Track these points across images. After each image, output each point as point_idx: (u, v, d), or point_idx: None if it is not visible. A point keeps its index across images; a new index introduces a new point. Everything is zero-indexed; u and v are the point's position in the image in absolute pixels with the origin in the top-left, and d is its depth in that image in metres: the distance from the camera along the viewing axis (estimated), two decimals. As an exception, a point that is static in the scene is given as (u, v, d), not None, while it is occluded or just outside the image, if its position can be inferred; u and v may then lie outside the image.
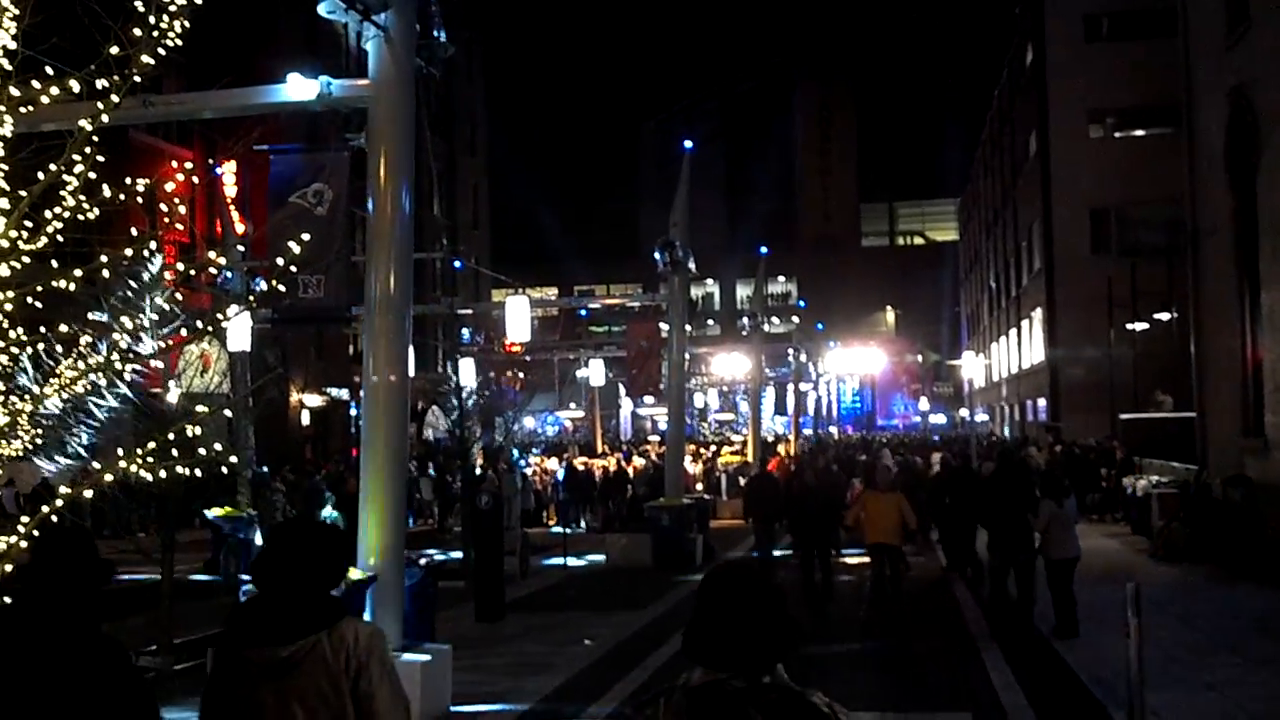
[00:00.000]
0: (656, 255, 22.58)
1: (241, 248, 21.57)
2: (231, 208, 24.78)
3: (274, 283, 6.58)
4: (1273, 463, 19.16)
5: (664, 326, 25.92)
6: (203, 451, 6.43)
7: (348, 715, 3.75)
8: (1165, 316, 36.79)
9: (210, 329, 7.53)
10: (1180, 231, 27.17)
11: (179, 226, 6.52)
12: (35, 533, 5.13)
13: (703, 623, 2.97)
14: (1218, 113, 21.38)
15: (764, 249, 40.79)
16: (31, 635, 3.77)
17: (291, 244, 6.59)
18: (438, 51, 10.59)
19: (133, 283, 9.90)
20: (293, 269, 7.48)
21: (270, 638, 3.75)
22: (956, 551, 19.59)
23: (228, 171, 27.78)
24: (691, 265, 23.11)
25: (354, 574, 9.86)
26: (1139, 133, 45.52)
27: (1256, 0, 19.59)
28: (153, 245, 6.05)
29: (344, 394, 47.71)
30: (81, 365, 5.96)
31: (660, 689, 3.01)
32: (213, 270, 18.47)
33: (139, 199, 6.17)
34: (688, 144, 24.21)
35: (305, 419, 44.90)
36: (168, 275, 6.44)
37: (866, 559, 15.70)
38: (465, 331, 42.07)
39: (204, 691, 3.95)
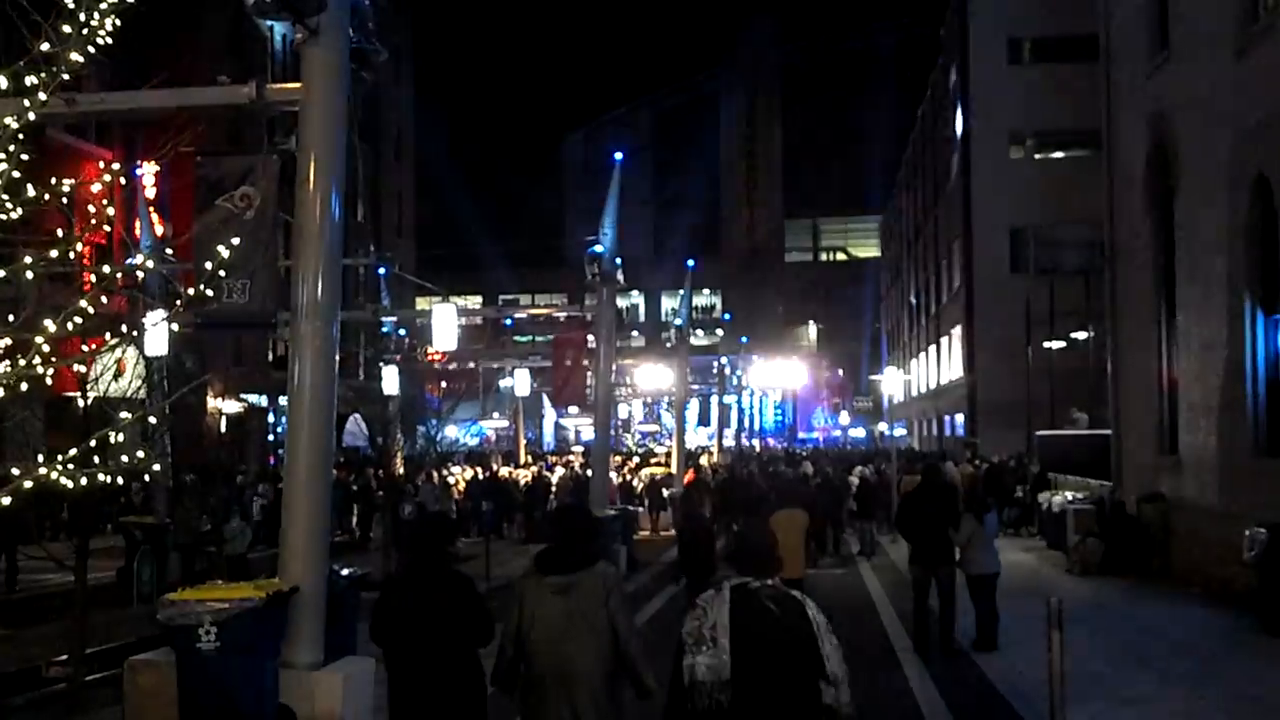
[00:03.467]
0: (585, 266, 22.52)
1: (170, 250, 21.15)
2: (151, 210, 24.32)
3: (202, 287, 6.43)
4: (1187, 481, 19.56)
5: (590, 338, 25.84)
6: (125, 459, 6.27)
7: (602, 620, 5.99)
8: (1082, 335, 37.46)
9: (135, 333, 7.36)
10: (1097, 252, 27.71)
11: (106, 228, 6.36)
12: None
13: (739, 552, 5.42)
14: (1138, 137, 21.83)
15: (691, 262, 40.87)
16: (421, 572, 6.83)
17: (220, 248, 6.47)
18: (371, 56, 10.44)
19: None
20: (220, 273, 7.35)
21: (559, 570, 6.08)
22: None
23: (146, 173, 27.23)
24: (620, 277, 23.09)
25: (275, 584, 9.68)
26: (1058, 155, 46.47)
27: (1177, 28, 20.05)
28: (79, 247, 5.87)
29: (262, 400, 46.98)
30: (2, 369, 5.78)
31: (715, 585, 5.36)
32: (122, 274, 18.01)
33: (64, 199, 6.01)
34: (618, 155, 24.16)
35: (222, 426, 44.13)
36: (92, 277, 6.30)
37: None
38: (388, 325, 41.50)
39: (516, 603, 6.18)
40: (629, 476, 37.88)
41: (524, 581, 6.25)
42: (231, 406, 43.77)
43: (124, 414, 6.12)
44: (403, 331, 31.33)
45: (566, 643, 5.94)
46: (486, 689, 6.67)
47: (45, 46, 5.62)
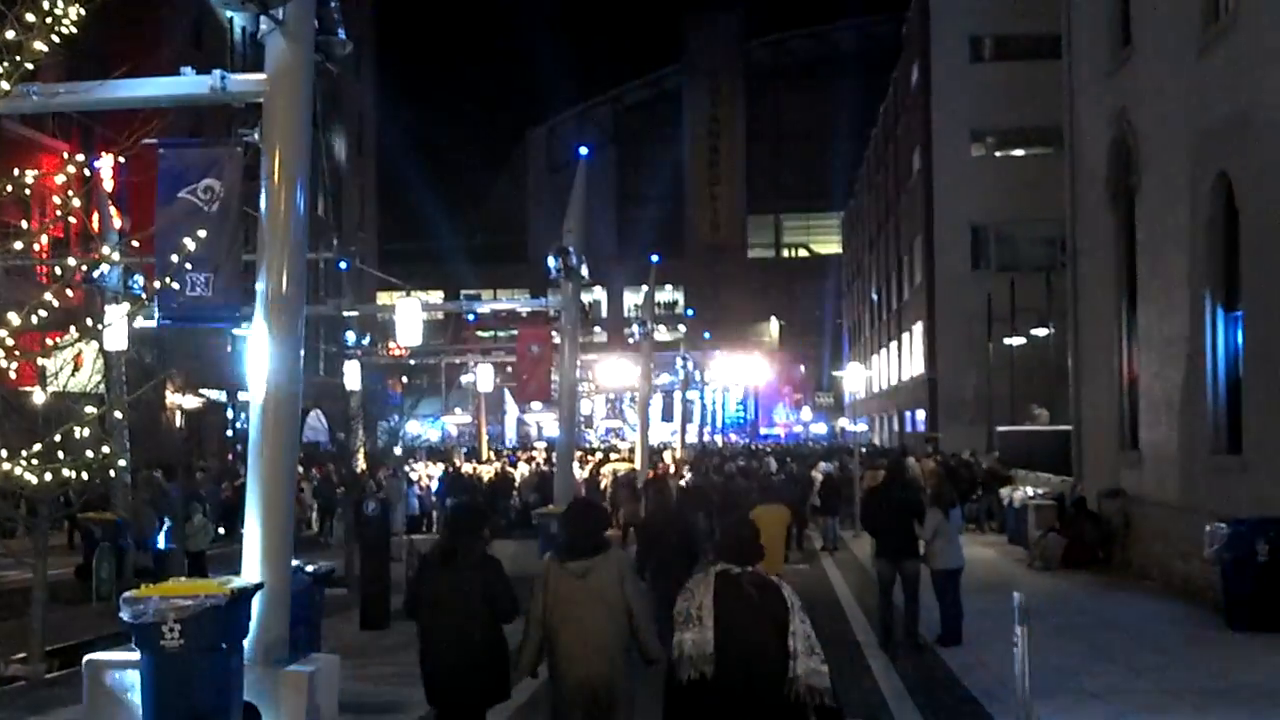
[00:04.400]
0: (550, 261, 22.42)
1: (131, 244, 20.86)
2: (110, 203, 24.02)
3: (168, 280, 6.33)
4: (1147, 476, 19.73)
5: (554, 333, 25.77)
6: (91, 454, 6.18)
7: (618, 598, 6.77)
8: (1042, 332, 37.74)
9: (100, 327, 7.26)
10: (1057, 249, 27.94)
11: (72, 220, 6.25)
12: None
13: (724, 544, 6.21)
14: (1099, 135, 21.98)
15: (655, 257, 40.86)
16: (455, 552, 7.62)
17: (187, 240, 6.38)
18: (336, 48, 10.35)
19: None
20: (187, 266, 7.24)
21: (578, 557, 6.88)
22: None
23: (104, 166, 26.87)
24: (585, 272, 23.02)
25: (239, 581, 9.58)
26: (1019, 152, 46.76)
27: (1139, 26, 20.20)
28: (43, 239, 5.77)
29: (221, 396, 46.54)
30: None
31: (703, 573, 6.07)
32: (86, 266, 17.77)
33: (27, 190, 5.90)
34: (583, 150, 24.08)
35: (179, 421, 43.67)
36: (57, 270, 6.19)
37: None
38: (350, 334, 41.39)
39: (537, 586, 6.93)
40: (596, 473, 37.75)
41: (546, 569, 7.05)
42: (190, 402, 43.34)
43: (89, 409, 6.02)
44: (367, 339, 31.09)
45: (587, 619, 6.75)
46: (510, 660, 7.52)
47: (10, 35, 5.51)
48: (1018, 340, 39.58)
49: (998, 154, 47.73)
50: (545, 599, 6.89)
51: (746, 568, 5.98)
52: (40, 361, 6.54)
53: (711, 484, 26.38)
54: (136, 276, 21.83)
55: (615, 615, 6.79)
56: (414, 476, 33.48)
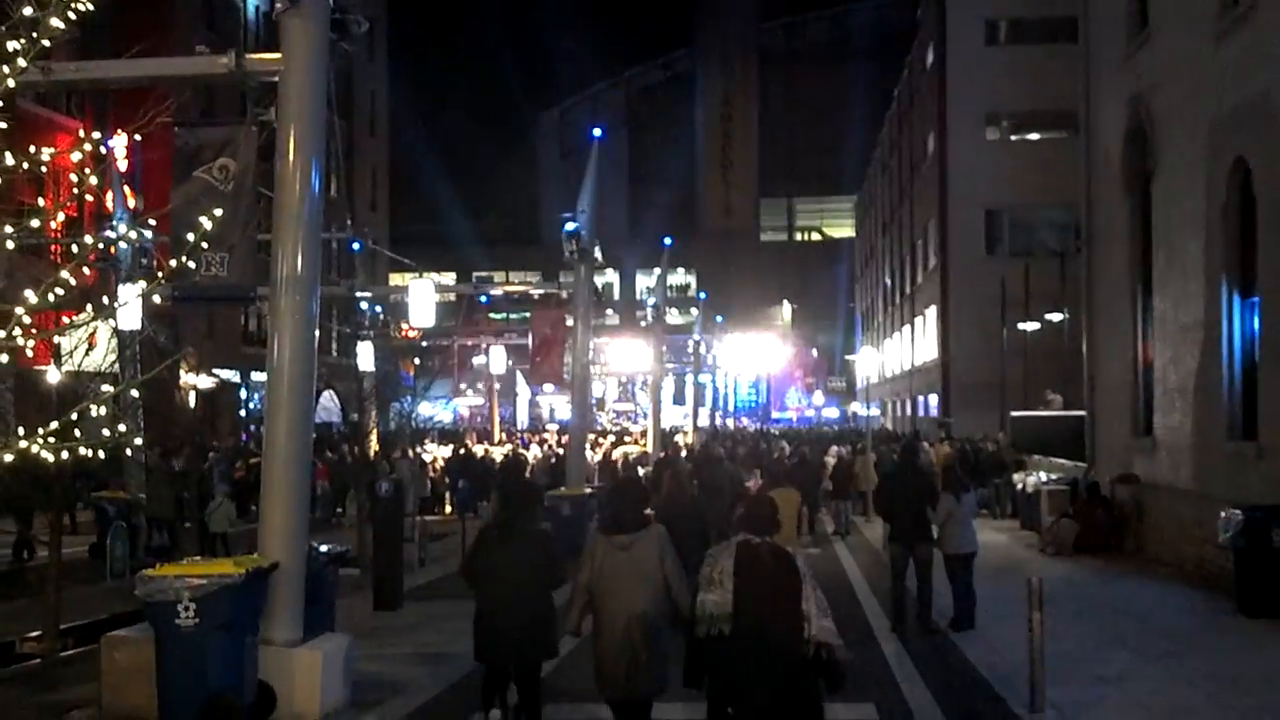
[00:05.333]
0: (562, 243, 22.41)
1: (152, 222, 20.93)
2: (123, 183, 24.06)
3: (185, 259, 6.33)
4: (1161, 462, 19.67)
5: (567, 316, 25.78)
6: (107, 433, 6.18)
7: (657, 571, 7.38)
8: (1056, 317, 37.61)
9: (116, 306, 7.27)
10: (1072, 233, 27.81)
11: (90, 198, 6.27)
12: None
13: (746, 518, 6.91)
14: (1115, 119, 21.85)
15: (667, 240, 40.81)
16: (510, 527, 8.57)
17: (204, 219, 6.37)
18: (352, 27, 10.36)
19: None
20: (203, 245, 7.25)
21: (621, 531, 7.58)
22: None
23: (118, 145, 26.89)
24: (598, 254, 23.02)
25: (255, 560, 9.61)
26: (1034, 136, 46.56)
27: (1156, 10, 20.06)
28: (60, 216, 5.76)
29: (234, 376, 46.69)
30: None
31: (725, 543, 6.89)
32: (101, 245, 17.84)
33: (42, 168, 5.89)
34: (596, 132, 24.03)
35: (192, 401, 43.84)
36: (74, 248, 6.21)
37: None
38: (364, 304, 41.31)
39: (584, 556, 7.62)
40: (608, 456, 37.84)
41: (593, 541, 7.78)
42: (204, 381, 43.49)
43: (106, 387, 6.02)
44: (378, 308, 31.12)
45: (629, 589, 7.42)
46: (557, 621, 8.42)
47: (27, 11, 5.49)
48: (1032, 325, 39.44)
49: (1013, 138, 47.56)
50: (591, 568, 7.56)
51: (765, 538, 6.70)
52: (55, 340, 6.53)
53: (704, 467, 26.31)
54: (148, 250, 21.89)
55: (654, 585, 7.40)
56: (426, 458, 33.53)
